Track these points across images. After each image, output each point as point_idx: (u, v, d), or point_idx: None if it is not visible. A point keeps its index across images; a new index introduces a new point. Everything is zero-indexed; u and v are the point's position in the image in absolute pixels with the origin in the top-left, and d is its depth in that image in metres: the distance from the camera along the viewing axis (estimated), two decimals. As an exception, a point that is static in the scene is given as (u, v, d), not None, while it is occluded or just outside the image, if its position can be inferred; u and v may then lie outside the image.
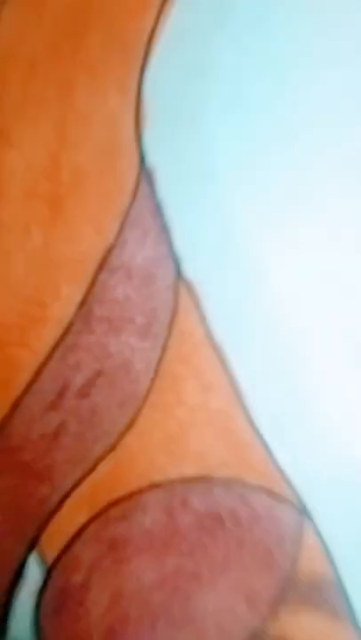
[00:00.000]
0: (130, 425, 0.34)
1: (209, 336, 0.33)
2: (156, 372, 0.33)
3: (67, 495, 0.34)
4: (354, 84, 0.38)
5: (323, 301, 0.37)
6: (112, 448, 0.34)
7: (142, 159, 0.33)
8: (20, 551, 0.34)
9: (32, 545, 0.34)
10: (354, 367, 0.37)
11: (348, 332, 0.36)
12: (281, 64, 0.36)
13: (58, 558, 0.34)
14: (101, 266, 0.33)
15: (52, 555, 0.34)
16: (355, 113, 0.38)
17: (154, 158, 0.33)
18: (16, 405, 0.34)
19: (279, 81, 0.36)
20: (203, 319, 0.33)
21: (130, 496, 0.34)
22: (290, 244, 0.36)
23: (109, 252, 0.33)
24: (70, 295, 0.33)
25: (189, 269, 0.33)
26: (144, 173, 0.33)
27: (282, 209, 0.36)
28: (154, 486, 0.34)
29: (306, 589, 0.35)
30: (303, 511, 0.34)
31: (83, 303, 0.33)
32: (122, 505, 0.34)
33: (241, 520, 0.34)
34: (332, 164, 0.37)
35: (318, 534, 0.34)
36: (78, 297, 0.33)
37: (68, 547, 0.34)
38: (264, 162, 0.36)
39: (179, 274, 0.33)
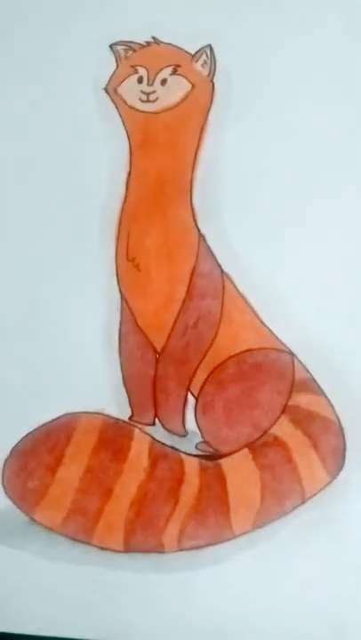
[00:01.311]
0: (215, 335, 0.55)
1: (239, 293, 0.55)
2: (221, 311, 0.55)
3: (196, 368, 0.55)
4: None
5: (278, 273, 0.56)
6: (210, 345, 0.55)
7: (199, 230, 0.55)
8: (184, 390, 0.55)
9: (188, 387, 0.56)
10: (293, 297, 0.55)
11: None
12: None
13: (200, 391, 0.55)
14: (192, 273, 0.55)
15: (196, 391, 0.55)
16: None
17: (202, 229, 0.55)
18: (169, 336, 0.56)
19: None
20: (235, 287, 0.55)
21: (221, 363, 0.55)
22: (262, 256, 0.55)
23: (194, 268, 0.55)
24: (181, 289, 0.55)
25: (225, 268, 0.55)
26: (201, 235, 0.55)
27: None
28: (229, 357, 0.55)
29: (300, 384, 0.55)
30: (292, 354, 0.55)
31: (187, 290, 0.55)
32: (219, 367, 0.55)
33: (268, 362, 0.55)
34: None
35: (300, 361, 0.55)
36: (184, 288, 0.55)
37: (202, 386, 0.55)
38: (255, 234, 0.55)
39: (221, 271, 0.55)
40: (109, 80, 0.56)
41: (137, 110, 0.55)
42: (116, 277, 0.56)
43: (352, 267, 0.55)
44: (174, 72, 0.55)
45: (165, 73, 0.55)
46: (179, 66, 0.55)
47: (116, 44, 0.55)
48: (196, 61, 0.55)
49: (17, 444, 0.55)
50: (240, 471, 0.53)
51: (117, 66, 0.55)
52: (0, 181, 0.57)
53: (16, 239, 0.57)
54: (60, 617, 0.54)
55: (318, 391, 0.54)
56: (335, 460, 0.53)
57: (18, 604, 0.55)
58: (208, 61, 0.55)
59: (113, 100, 0.56)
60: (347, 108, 0.55)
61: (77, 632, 0.54)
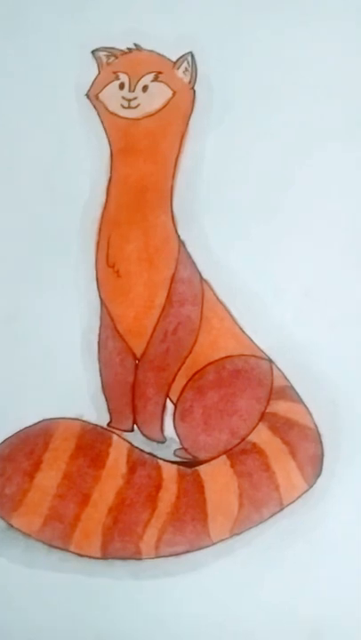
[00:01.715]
0: (194, 342, 0.55)
1: (219, 300, 0.55)
2: (200, 318, 0.55)
3: (176, 374, 0.54)
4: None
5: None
6: (189, 352, 0.55)
7: (179, 236, 0.55)
8: (163, 397, 0.55)
9: (166, 393, 0.55)
10: (272, 304, 0.55)
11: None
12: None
13: (178, 398, 0.55)
14: (172, 279, 0.55)
15: (175, 397, 0.55)
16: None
17: (182, 235, 0.55)
18: (148, 343, 0.55)
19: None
20: (215, 293, 0.55)
21: (201, 369, 0.55)
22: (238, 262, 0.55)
23: (174, 274, 0.55)
24: (161, 295, 0.55)
25: (204, 275, 0.55)
26: (181, 242, 0.55)
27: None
28: (208, 364, 0.55)
29: (279, 391, 0.54)
30: (270, 361, 0.55)
31: (167, 297, 0.55)
32: (198, 373, 0.55)
33: (247, 369, 0.54)
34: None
35: (278, 369, 0.55)
36: (164, 294, 0.55)
37: (181, 393, 0.54)
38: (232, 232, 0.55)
39: (201, 278, 0.55)
40: (91, 86, 0.55)
41: (118, 116, 0.55)
42: (96, 283, 0.55)
43: (332, 274, 0.55)
44: (156, 79, 0.54)
45: (147, 79, 0.55)
46: (160, 73, 0.55)
47: (97, 49, 0.55)
48: (178, 68, 0.55)
49: (-6, 450, 0.54)
50: (218, 478, 0.53)
51: (99, 72, 0.55)
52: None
53: (-3, 244, 0.57)
54: (37, 623, 0.54)
55: (297, 398, 0.54)
56: (313, 467, 0.53)
57: (-6, 610, 0.54)
58: (189, 69, 0.55)
59: (95, 106, 0.55)
60: (327, 115, 0.55)
61: (55, 638, 0.53)
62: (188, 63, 0.55)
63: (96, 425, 0.54)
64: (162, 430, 0.55)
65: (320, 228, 0.55)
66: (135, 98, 0.54)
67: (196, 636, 0.53)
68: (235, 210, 0.55)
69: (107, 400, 0.55)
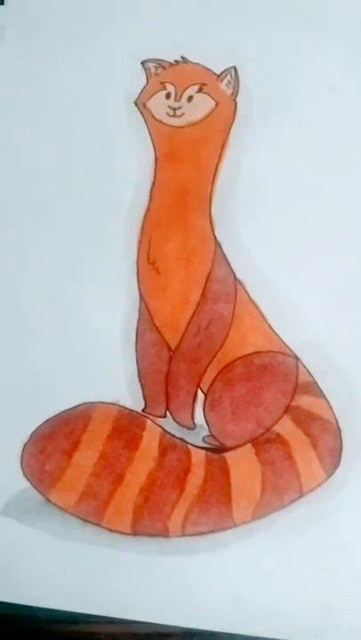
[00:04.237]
0: (225, 337, 0.57)
1: (250, 299, 0.57)
2: (232, 315, 0.57)
3: (207, 367, 0.57)
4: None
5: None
6: (220, 346, 0.57)
7: (215, 238, 0.57)
8: (195, 387, 0.57)
9: (198, 384, 0.57)
10: (300, 304, 0.57)
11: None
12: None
13: (209, 388, 0.57)
14: (207, 278, 0.57)
15: (205, 388, 0.57)
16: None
17: (219, 237, 0.57)
18: (183, 336, 0.57)
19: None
20: (247, 292, 0.57)
21: (230, 363, 0.57)
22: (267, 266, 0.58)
23: (209, 273, 0.57)
24: (197, 291, 0.57)
25: (238, 275, 0.57)
26: (217, 243, 0.57)
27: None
28: (238, 358, 0.57)
29: (303, 386, 0.56)
30: (297, 358, 0.56)
31: (202, 294, 0.57)
32: (228, 367, 0.57)
33: (274, 365, 0.56)
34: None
35: (303, 365, 0.56)
36: (199, 291, 0.57)
37: (211, 384, 0.57)
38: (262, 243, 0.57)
39: (235, 277, 0.57)
40: (139, 94, 0.59)
41: (164, 124, 0.58)
42: (136, 279, 0.58)
43: (356, 277, 0.57)
44: (200, 90, 0.57)
45: (192, 90, 0.57)
46: (205, 84, 0.57)
47: (147, 61, 0.58)
48: (221, 81, 0.58)
49: (37, 429, 0.57)
50: (243, 465, 0.55)
51: (147, 82, 0.58)
52: (36, 187, 0.60)
53: (49, 240, 0.59)
54: (70, 592, 0.56)
55: (319, 394, 0.56)
56: (332, 458, 0.55)
57: (31, 579, 0.57)
58: (232, 81, 0.57)
59: (142, 114, 0.58)
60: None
61: (85, 607, 0.56)
62: (231, 76, 0.57)
63: (131, 410, 0.57)
64: (192, 418, 0.57)
65: (346, 233, 0.57)
66: (180, 107, 0.57)
67: (214, 610, 0.55)
68: (268, 215, 0.57)
69: (142, 387, 0.57)
